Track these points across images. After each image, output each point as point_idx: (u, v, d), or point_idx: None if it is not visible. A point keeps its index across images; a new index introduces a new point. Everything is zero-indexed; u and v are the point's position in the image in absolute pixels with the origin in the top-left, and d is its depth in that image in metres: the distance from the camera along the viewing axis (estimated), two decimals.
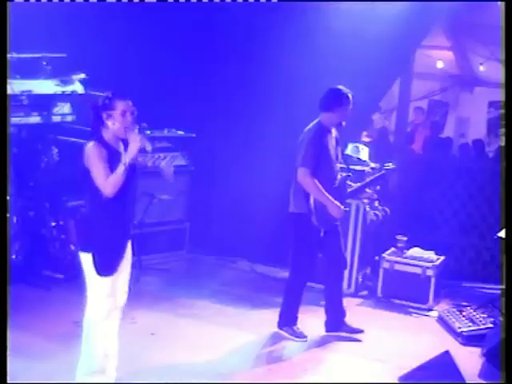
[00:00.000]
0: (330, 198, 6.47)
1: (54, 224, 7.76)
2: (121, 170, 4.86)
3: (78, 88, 7.72)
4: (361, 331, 6.88)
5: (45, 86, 7.52)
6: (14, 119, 7.18)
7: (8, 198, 6.82)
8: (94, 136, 5.02)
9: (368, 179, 7.03)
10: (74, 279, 7.71)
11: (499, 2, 7.79)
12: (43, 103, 7.53)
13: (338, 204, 6.51)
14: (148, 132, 8.57)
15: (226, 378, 5.85)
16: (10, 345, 5.06)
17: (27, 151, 7.70)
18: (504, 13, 6.18)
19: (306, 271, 6.78)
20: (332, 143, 6.65)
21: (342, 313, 6.91)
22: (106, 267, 5.02)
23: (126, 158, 4.91)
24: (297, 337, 6.75)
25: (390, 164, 7.08)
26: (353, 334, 6.85)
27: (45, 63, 7.53)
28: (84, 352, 5.17)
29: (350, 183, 6.92)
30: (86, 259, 5.01)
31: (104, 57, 8.30)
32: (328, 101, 6.61)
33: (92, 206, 5.06)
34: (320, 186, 6.43)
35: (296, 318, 6.81)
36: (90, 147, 4.92)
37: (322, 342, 6.79)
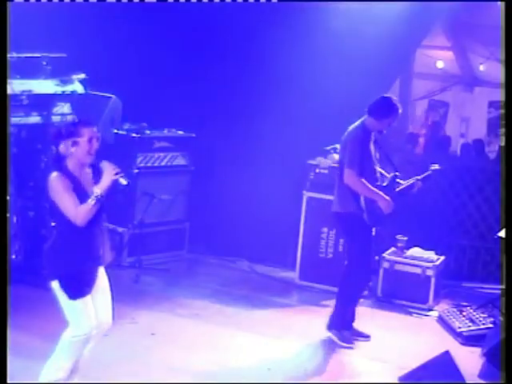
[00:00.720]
0: (379, 192, 6.50)
1: (54, 224, 7.75)
2: (92, 201, 4.74)
3: (78, 88, 7.72)
4: (367, 336, 6.83)
5: (45, 86, 7.52)
6: (14, 119, 7.18)
7: (8, 197, 6.82)
8: (57, 165, 4.85)
9: (412, 180, 6.97)
10: None
11: (499, 2, 7.79)
12: (43, 103, 7.52)
13: (387, 198, 6.52)
14: (148, 132, 8.64)
15: (226, 377, 5.84)
16: (10, 345, 5.06)
17: (27, 151, 7.69)
18: (504, 13, 6.19)
19: (366, 270, 6.71)
20: (372, 146, 6.65)
21: (353, 313, 6.85)
22: (75, 290, 4.87)
23: (99, 189, 4.77)
24: (344, 342, 6.68)
25: (436, 165, 7.08)
26: (358, 337, 6.79)
27: (45, 63, 7.53)
28: (53, 362, 5.00)
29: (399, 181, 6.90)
30: (55, 286, 4.91)
31: (104, 57, 8.31)
32: (378, 108, 6.59)
33: (57, 234, 4.95)
34: (367, 183, 6.47)
35: (348, 321, 6.73)
36: (54, 178, 4.78)
37: (322, 342, 6.79)
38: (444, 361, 5.43)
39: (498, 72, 11.43)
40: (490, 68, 13.30)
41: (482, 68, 13.77)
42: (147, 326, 6.71)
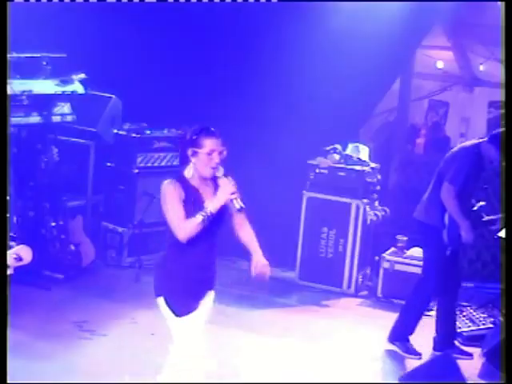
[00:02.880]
0: (466, 222, 6.36)
1: (53, 224, 7.77)
2: (199, 218, 4.45)
3: (78, 88, 7.72)
4: (470, 355, 6.60)
5: (45, 86, 7.52)
6: (14, 119, 7.17)
7: (8, 198, 6.81)
8: (177, 172, 4.65)
9: (497, 216, 6.85)
10: (73, 279, 7.74)
11: (499, 2, 7.78)
12: (43, 103, 7.52)
13: (470, 230, 6.38)
14: (148, 132, 8.63)
15: (226, 377, 5.84)
16: (10, 345, 5.06)
17: (27, 151, 7.70)
18: (504, 13, 6.18)
19: (437, 286, 6.57)
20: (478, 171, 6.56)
21: (454, 333, 6.72)
22: (180, 307, 4.61)
23: (211, 206, 4.49)
24: (410, 353, 6.56)
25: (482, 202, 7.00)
26: (461, 355, 6.53)
27: (45, 63, 7.53)
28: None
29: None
30: (161, 303, 4.64)
31: (104, 57, 8.30)
32: (496, 141, 6.36)
33: (168, 247, 4.69)
34: (457, 206, 6.34)
35: (411, 334, 6.61)
36: (166, 185, 4.55)
37: (322, 342, 6.79)
38: (444, 361, 5.43)
39: (498, 72, 11.41)
40: (490, 68, 13.26)
41: (481, 68, 13.73)
42: (147, 326, 6.71)
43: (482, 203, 6.69)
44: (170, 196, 4.52)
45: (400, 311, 6.72)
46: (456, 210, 6.35)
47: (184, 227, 4.48)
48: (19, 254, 3.29)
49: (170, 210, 4.54)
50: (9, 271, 3.39)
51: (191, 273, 4.60)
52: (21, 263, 3.31)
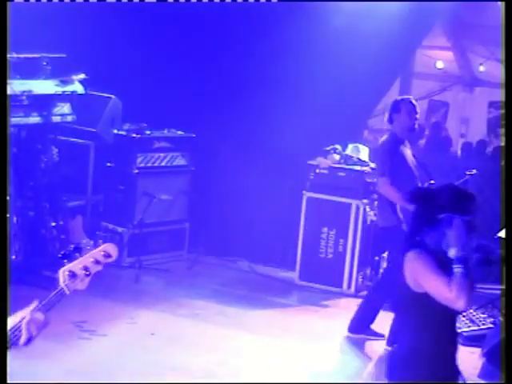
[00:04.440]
0: None
1: (53, 224, 7.77)
2: (458, 271, 3.56)
3: (78, 88, 7.72)
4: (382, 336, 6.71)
5: (45, 86, 7.52)
6: (14, 119, 7.18)
7: (8, 198, 6.82)
8: (417, 241, 3.77)
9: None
10: None
11: (499, 2, 7.79)
12: (43, 103, 7.52)
13: None
14: (148, 132, 8.64)
15: (226, 377, 5.84)
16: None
17: (27, 151, 7.70)
18: (504, 13, 6.19)
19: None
20: (407, 153, 6.65)
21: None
22: None
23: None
24: (373, 335, 6.74)
25: (474, 170, 7.02)
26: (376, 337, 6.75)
27: (45, 63, 7.53)
28: None
29: None
30: None
31: (104, 57, 8.31)
32: (390, 112, 6.66)
33: (415, 336, 3.78)
34: (398, 192, 6.37)
35: (371, 323, 6.75)
36: (418, 256, 3.69)
37: (322, 342, 6.79)
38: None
39: (498, 72, 11.44)
40: (490, 68, 13.31)
41: (481, 68, 13.79)
42: (147, 326, 6.72)
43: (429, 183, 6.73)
44: (429, 266, 3.65)
45: (363, 304, 6.82)
46: (395, 194, 6.40)
47: (458, 290, 3.56)
48: (107, 250, 3.41)
49: (435, 280, 3.63)
50: (99, 268, 3.49)
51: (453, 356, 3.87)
52: (109, 260, 3.41)
